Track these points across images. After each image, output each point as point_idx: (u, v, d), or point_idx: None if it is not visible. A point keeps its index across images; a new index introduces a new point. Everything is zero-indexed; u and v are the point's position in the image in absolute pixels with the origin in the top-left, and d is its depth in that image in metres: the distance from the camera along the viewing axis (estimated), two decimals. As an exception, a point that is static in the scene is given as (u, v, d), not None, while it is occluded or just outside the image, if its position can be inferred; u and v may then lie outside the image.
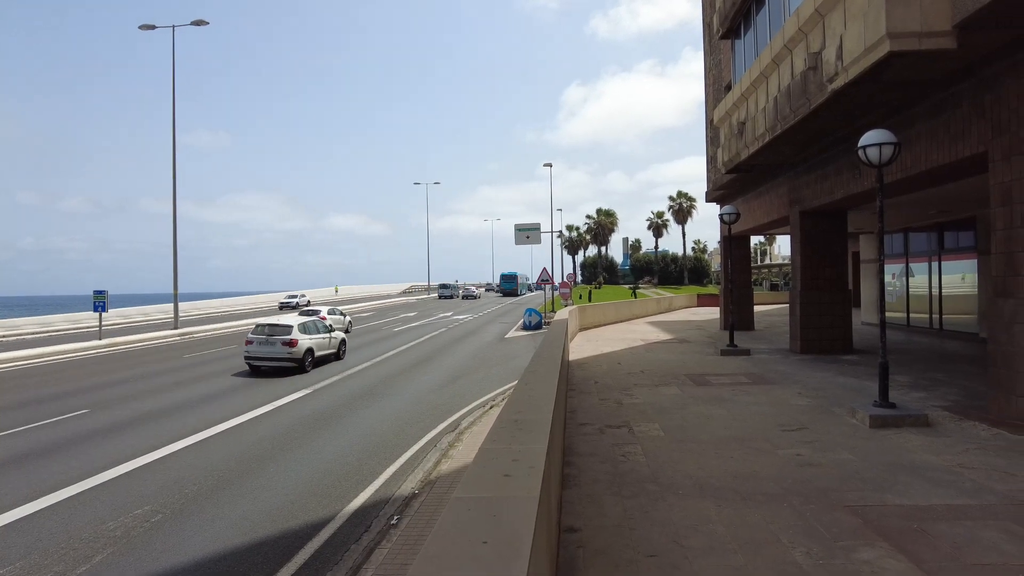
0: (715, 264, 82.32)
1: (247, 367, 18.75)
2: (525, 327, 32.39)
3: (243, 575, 6.13)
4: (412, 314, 46.75)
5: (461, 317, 43.00)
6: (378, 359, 21.51)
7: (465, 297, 75.34)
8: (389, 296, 79.50)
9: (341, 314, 32.67)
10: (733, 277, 22.53)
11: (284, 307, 53.63)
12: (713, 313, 35.04)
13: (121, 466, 9.40)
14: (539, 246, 58.52)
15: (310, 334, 19.29)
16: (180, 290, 34.03)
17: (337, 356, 20.96)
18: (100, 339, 27.34)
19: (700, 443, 8.13)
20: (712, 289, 70.82)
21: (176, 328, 32.66)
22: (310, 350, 18.87)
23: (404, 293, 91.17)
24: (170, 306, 42.84)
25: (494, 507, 3.14)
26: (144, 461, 9.69)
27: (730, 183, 21.95)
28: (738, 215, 18.22)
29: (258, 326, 19.04)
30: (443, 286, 78.41)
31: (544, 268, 39.38)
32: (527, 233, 40.92)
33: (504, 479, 3.57)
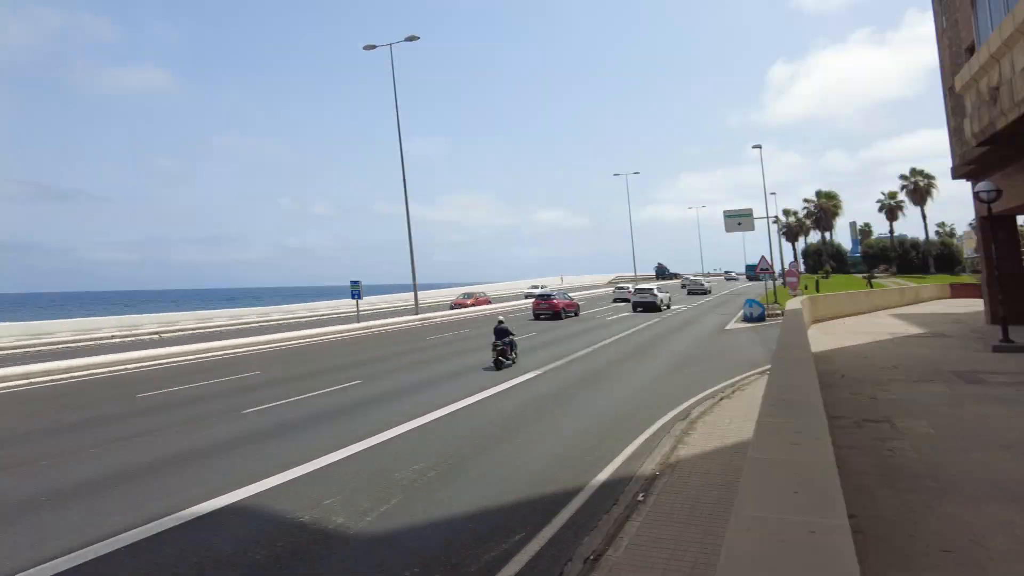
0: (967, 249, 70.35)
1: (482, 348, 20.48)
2: (746, 319, 30.87)
3: (511, 530, 6.86)
4: (623, 303, 46.88)
5: (674, 307, 42.16)
6: (596, 346, 22.07)
7: (692, 292, 59.14)
8: (597, 287, 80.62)
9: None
10: (998, 263, 19.32)
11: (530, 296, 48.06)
12: (971, 305, 30.30)
13: (394, 429, 10.93)
14: (752, 233, 54.95)
15: None
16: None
17: None
18: (359, 322, 31.65)
19: (983, 444, 7.26)
20: (968, 278, 61.06)
21: (417, 314, 36.53)
22: None
23: (611, 284, 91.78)
24: (407, 295, 47.88)
25: (792, 467, 3.27)
26: (411, 426, 11.16)
27: (983, 156, 18.77)
28: (999, 192, 15.57)
29: None
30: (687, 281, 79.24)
31: (763, 256, 36.86)
32: (738, 220, 38.71)
33: (792, 446, 3.67)
